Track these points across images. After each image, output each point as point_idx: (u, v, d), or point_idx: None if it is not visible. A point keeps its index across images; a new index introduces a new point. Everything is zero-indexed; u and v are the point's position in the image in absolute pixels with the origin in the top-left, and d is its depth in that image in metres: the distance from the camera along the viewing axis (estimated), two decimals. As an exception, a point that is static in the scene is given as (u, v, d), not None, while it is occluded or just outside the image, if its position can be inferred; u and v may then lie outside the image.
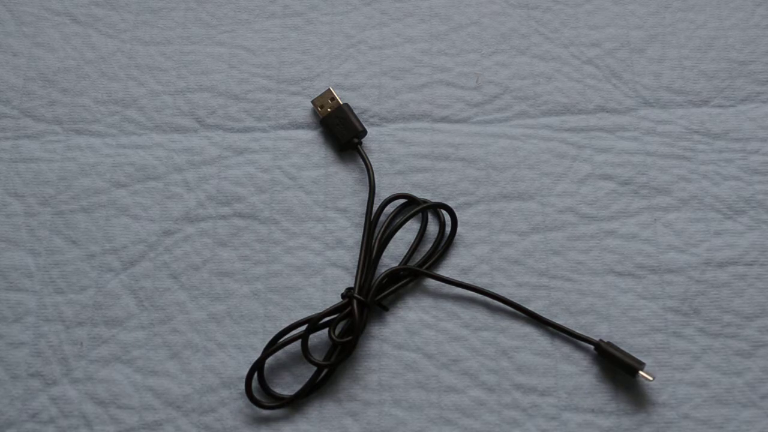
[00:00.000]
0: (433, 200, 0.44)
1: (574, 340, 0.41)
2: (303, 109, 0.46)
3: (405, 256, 0.43)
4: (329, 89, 0.46)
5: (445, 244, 0.43)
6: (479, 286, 0.42)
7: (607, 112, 0.46)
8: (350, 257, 0.43)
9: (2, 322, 0.42)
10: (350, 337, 0.39)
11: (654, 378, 0.40)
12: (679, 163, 0.45)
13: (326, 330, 0.40)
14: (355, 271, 0.43)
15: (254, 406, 0.40)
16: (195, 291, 0.42)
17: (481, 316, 0.42)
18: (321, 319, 0.39)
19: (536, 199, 0.44)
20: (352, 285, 0.42)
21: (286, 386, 0.41)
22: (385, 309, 0.41)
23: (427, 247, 0.43)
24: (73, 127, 0.46)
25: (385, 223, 0.42)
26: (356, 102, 0.46)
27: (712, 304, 0.42)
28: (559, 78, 0.47)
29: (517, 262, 0.43)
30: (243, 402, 0.40)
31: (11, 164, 0.45)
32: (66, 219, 0.44)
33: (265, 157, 0.45)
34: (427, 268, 0.42)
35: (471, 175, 0.45)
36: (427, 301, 0.42)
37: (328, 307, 0.40)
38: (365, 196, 0.44)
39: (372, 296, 0.41)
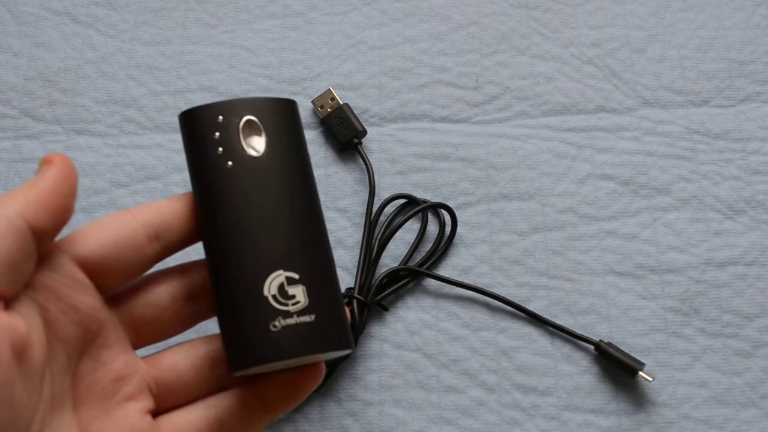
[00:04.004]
0: (433, 200, 0.44)
1: (574, 340, 0.41)
2: (303, 109, 0.46)
3: (405, 256, 0.43)
4: (329, 89, 0.46)
5: (445, 244, 0.43)
6: (479, 286, 0.42)
7: (607, 112, 0.46)
8: (350, 257, 0.43)
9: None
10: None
11: (654, 378, 0.40)
12: (679, 163, 0.45)
13: (326, 330, 0.40)
14: (355, 271, 0.43)
15: (254, 406, 0.40)
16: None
17: (481, 316, 0.42)
18: (321, 319, 0.39)
19: (536, 199, 0.44)
20: (352, 285, 0.42)
21: (286, 386, 0.41)
22: (385, 309, 0.41)
23: (427, 247, 0.43)
24: (73, 127, 0.46)
25: (385, 223, 0.42)
26: (356, 102, 0.46)
27: (712, 304, 0.42)
28: (559, 78, 0.47)
29: (517, 262, 0.43)
30: (243, 402, 0.40)
31: (11, 164, 0.45)
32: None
33: (265, 157, 0.45)
34: (427, 268, 0.42)
35: (471, 175, 0.45)
36: (427, 301, 0.42)
37: (328, 307, 0.40)
38: (365, 196, 0.44)
39: (372, 296, 0.41)
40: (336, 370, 0.40)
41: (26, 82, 0.47)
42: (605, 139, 0.45)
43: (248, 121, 0.28)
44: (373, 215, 0.43)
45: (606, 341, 0.40)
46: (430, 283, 0.43)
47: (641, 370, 0.39)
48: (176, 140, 0.46)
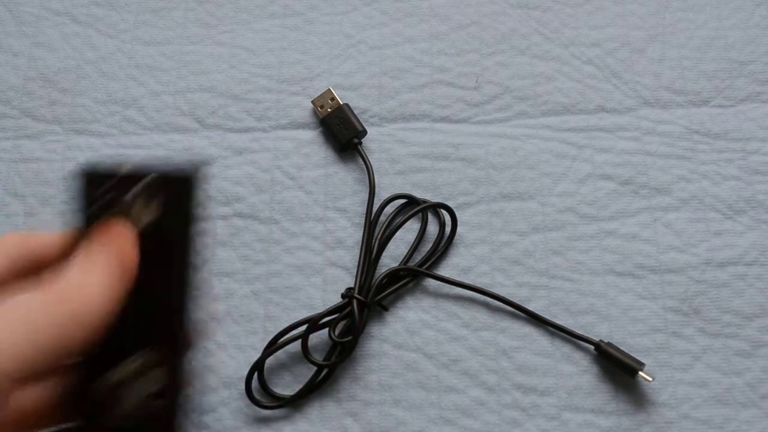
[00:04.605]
0: (433, 200, 0.44)
1: (574, 340, 0.41)
2: (303, 109, 0.46)
3: (405, 256, 0.43)
4: (329, 89, 0.46)
5: (445, 244, 0.43)
6: (479, 286, 0.42)
7: (607, 112, 0.46)
8: (350, 257, 0.43)
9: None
10: (350, 337, 0.39)
11: (654, 378, 0.40)
12: (679, 163, 0.45)
13: (326, 330, 0.40)
14: (355, 271, 0.43)
15: (254, 406, 0.40)
16: (195, 291, 0.42)
17: (481, 316, 0.42)
18: (321, 319, 0.39)
19: (536, 199, 0.44)
20: (352, 285, 0.42)
21: (286, 386, 0.41)
22: (385, 309, 0.41)
23: (427, 247, 0.43)
24: (73, 127, 0.46)
25: (385, 223, 0.42)
26: (356, 102, 0.46)
27: (712, 304, 0.42)
28: (559, 78, 0.47)
29: (517, 262, 0.43)
30: (243, 402, 0.40)
31: (11, 164, 0.45)
32: (66, 219, 0.44)
33: (265, 157, 0.45)
34: (427, 268, 0.42)
35: (471, 175, 0.45)
36: (427, 301, 0.42)
37: (328, 307, 0.40)
38: (365, 196, 0.44)
39: (372, 296, 0.41)
40: (336, 370, 0.40)
41: (26, 82, 0.47)
42: (605, 139, 0.45)
43: (144, 187, 0.28)
44: (373, 215, 0.43)
45: (606, 341, 0.40)
46: (430, 283, 0.42)
47: (641, 370, 0.39)
48: (176, 140, 0.46)
